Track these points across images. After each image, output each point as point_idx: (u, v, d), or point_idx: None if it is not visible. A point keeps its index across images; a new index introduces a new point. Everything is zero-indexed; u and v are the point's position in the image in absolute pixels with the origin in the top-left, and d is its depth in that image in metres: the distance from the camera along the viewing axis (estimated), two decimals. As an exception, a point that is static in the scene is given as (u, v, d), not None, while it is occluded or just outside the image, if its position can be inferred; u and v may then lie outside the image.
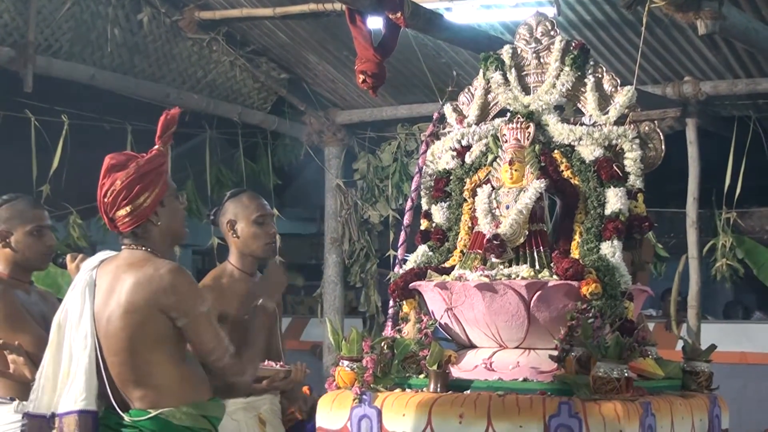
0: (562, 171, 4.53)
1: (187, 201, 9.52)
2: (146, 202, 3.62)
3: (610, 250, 4.30)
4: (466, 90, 4.97)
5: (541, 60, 4.76)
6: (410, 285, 4.57)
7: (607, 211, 4.39)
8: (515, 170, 4.49)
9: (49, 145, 8.10)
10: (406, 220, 5.12)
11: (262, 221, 4.52)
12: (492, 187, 4.55)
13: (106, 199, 3.63)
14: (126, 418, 3.56)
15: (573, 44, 4.69)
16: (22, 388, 4.06)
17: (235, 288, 4.48)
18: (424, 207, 4.90)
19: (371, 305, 9.79)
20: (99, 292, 3.62)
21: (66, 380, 3.59)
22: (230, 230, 4.54)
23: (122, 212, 3.62)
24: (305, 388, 4.68)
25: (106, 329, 3.57)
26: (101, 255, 3.76)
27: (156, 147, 3.69)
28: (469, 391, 4.14)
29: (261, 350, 3.91)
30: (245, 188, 4.73)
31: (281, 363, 4.47)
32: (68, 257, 4.24)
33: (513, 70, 4.79)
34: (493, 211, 4.48)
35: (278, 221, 8.79)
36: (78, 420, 3.53)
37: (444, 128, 5.00)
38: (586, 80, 4.64)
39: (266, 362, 4.40)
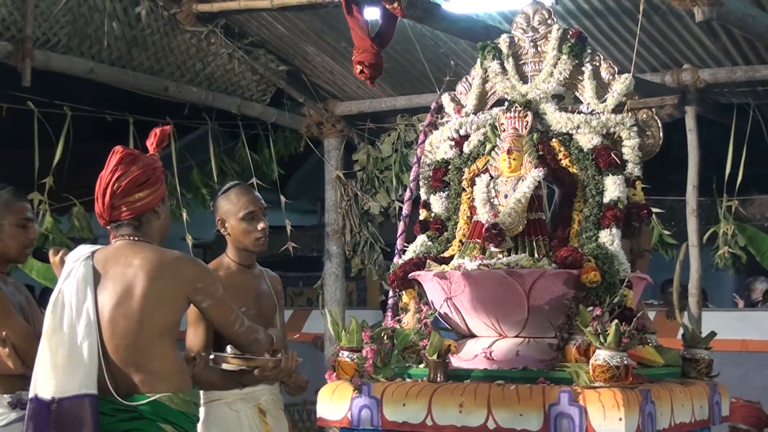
0: (561, 159, 4.53)
1: (194, 191, 9.56)
2: (156, 192, 3.82)
3: (609, 238, 4.30)
4: (464, 80, 4.97)
5: (539, 49, 4.76)
6: (409, 275, 4.57)
7: (606, 199, 4.39)
8: (513, 159, 4.49)
9: (52, 137, 8.09)
10: (405, 210, 5.12)
11: (251, 217, 4.50)
12: (490, 176, 4.55)
13: (119, 183, 3.75)
14: (125, 402, 3.63)
15: (570, 32, 4.69)
16: (3, 381, 4.06)
17: (233, 280, 4.49)
18: (423, 197, 4.91)
19: (380, 296, 9.79)
20: (103, 281, 3.71)
21: (66, 366, 3.64)
22: (222, 227, 4.56)
23: (135, 197, 3.75)
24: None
25: (113, 314, 3.66)
26: (89, 247, 3.83)
27: (151, 153, 3.90)
28: (469, 381, 4.15)
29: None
30: (237, 182, 4.71)
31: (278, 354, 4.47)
32: (51, 251, 4.25)
33: (510, 59, 4.79)
34: (492, 200, 4.48)
35: (274, 213, 8.79)
36: (82, 404, 3.60)
37: (442, 118, 5.00)
38: (583, 68, 4.63)
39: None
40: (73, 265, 3.75)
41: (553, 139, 4.57)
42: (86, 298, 3.68)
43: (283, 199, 9.38)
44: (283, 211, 9.20)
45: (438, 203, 4.81)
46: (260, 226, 4.51)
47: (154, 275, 3.67)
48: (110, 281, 3.69)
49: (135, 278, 3.67)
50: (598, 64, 4.64)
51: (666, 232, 8.86)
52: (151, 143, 3.89)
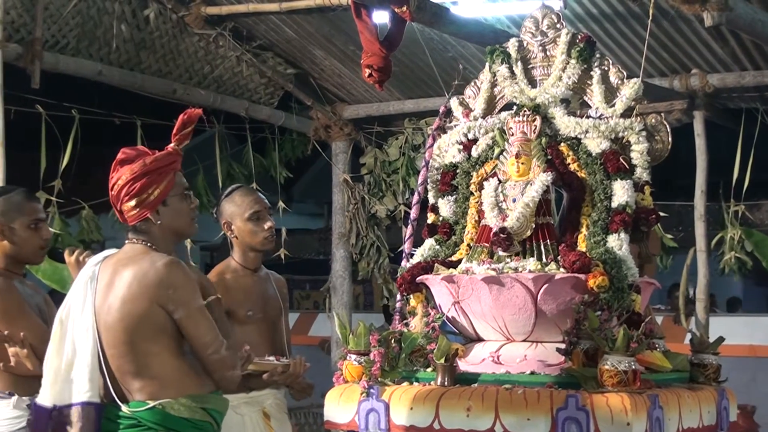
0: (569, 164, 4.53)
1: (198, 195, 9.53)
2: (150, 198, 3.66)
3: (617, 242, 4.30)
4: (473, 83, 4.97)
5: (548, 53, 4.76)
6: (417, 279, 4.57)
7: (614, 204, 4.38)
8: (522, 163, 4.49)
9: (60, 140, 8.10)
10: (413, 213, 5.13)
11: (257, 217, 4.52)
12: (498, 180, 4.55)
13: (113, 192, 3.69)
14: (125, 409, 3.58)
15: (579, 37, 4.69)
16: (21, 383, 4.06)
17: (239, 283, 4.50)
18: (431, 201, 4.91)
19: (391, 299, 9.77)
20: (100, 287, 3.65)
21: (69, 373, 3.62)
22: (228, 230, 4.57)
23: (127, 206, 3.67)
24: None
25: (105, 322, 3.61)
26: (107, 252, 3.79)
27: (170, 145, 3.71)
28: (476, 385, 4.15)
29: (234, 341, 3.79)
30: (239, 185, 4.72)
31: (283, 358, 4.47)
32: (66, 251, 4.25)
33: (519, 63, 4.79)
34: (500, 204, 4.48)
35: (285, 216, 8.77)
36: (81, 412, 3.56)
37: (450, 122, 5.00)
38: (592, 73, 4.63)
39: (266, 357, 4.41)
40: (85, 270, 3.72)
41: (562, 144, 4.57)
42: (86, 305, 3.64)
43: (281, 205, 9.40)
44: (280, 215, 9.21)
45: (446, 207, 4.81)
46: (267, 225, 4.53)
47: (129, 282, 3.58)
48: (105, 288, 3.64)
49: (119, 285, 3.60)
50: (606, 68, 4.64)
51: (668, 236, 8.84)
52: (173, 133, 3.71)
